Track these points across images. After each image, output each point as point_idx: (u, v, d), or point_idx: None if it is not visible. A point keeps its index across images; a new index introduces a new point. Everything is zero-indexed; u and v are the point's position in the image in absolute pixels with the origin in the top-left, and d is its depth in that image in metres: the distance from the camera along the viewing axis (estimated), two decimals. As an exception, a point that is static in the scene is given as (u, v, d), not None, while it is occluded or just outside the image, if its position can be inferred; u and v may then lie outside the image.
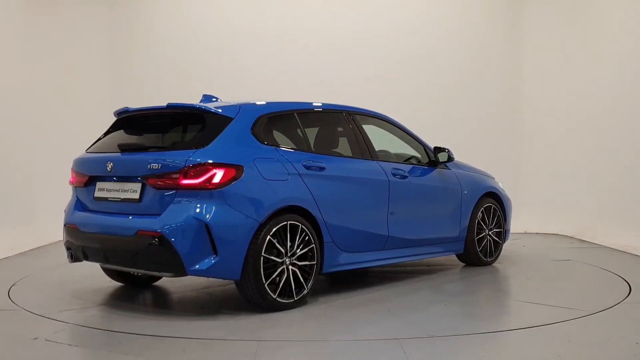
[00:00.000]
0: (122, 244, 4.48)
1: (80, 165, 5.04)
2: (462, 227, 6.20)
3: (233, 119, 4.65)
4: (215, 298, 5.13)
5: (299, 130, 5.19)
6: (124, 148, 4.77)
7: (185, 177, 4.28)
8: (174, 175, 4.30)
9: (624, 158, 7.85)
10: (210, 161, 4.33)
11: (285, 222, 4.58)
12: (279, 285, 4.55)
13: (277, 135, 5.02)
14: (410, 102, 9.69)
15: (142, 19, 9.99)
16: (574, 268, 6.46)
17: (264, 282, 4.44)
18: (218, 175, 4.31)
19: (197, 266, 4.25)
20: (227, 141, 4.53)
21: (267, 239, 4.46)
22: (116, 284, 5.68)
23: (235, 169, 4.39)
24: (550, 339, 3.98)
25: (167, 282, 5.76)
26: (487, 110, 9.88)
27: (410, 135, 6.04)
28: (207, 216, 4.25)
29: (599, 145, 8.45)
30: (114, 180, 4.71)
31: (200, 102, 5.32)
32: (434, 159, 6.00)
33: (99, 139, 5.21)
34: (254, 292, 4.47)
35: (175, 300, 5.23)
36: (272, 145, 4.80)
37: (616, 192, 8.02)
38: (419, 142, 6.07)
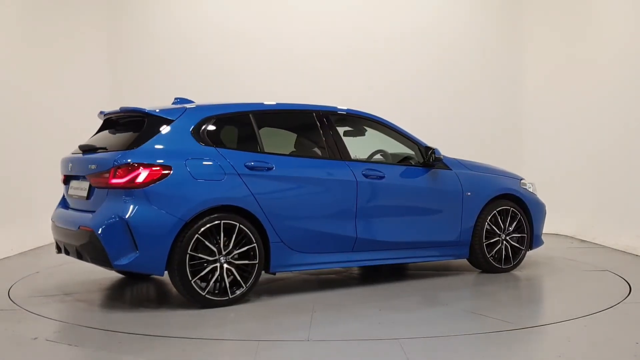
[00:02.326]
0: (71, 238, 4.88)
1: (61, 165, 5.43)
2: (464, 231, 5.87)
3: (173, 120, 4.87)
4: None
5: (251, 131, 5.18)
6: (83, 149, 5.10)
7: (114, 177, 4.56)
8: (105, 175, 4.63)
9: (624, 158, 7.85)
10: (135, 162, 4.56)
11: (219, 221, 4.68)
12: (211, 283, 4.69)
13: (225, 136, 5.10)
14: (413, 106, 9.71)
15: (141, 20, 9.98)
16: (573, 268, 6.46)
17: (190, 279, 4.60)
18: (142, 175, 4.53)
19: (120, 261, 4.50)
20: (161, 142, 4.75)
21: (195, 237, 4.59)
22: (116, 284, 5.68)
23: (161, 169, 4.59)
24: (550, 339, 3.99)
25: (167, 280, 5.77)
26: (488, 112, 9.89)
27: (403, 135, 5.87)
28: (129, 214, 4.48)
29: (599, 145, 8.45)
30: (80, 180, 5.09)
31: (172, 104, 5.42)
32: (426, 159, 5.78)
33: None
34: (181, 289, 4.66)
35: (176, 299, 5.22)
36: (213, 145, 4.90)
37: (616, 192, 8.02)
38: (413, 142, 5.87)
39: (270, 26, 9.82)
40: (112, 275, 5.94)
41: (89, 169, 4.81)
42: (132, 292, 5.47)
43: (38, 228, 7.91)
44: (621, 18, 8.09)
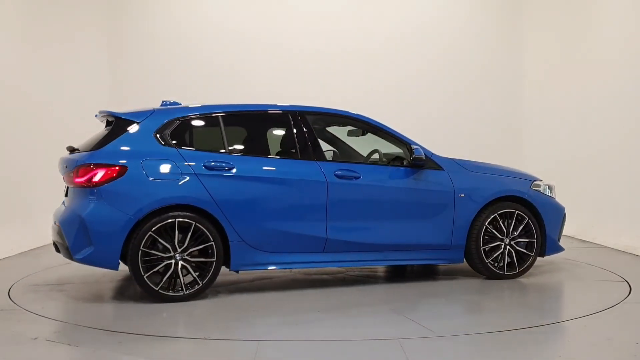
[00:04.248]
0: (53, 233, 5.28)
1: None
2: (457, 234, 5.61)
3: (138, 123, 5.09)
4: (216, 298, 5.13)
5: (218, 132, 5.26)
6: (68, 149, 5.37)
7: (77, 177, 4.88)
8: (71, 175, 4.97)
9: (624, 158, 7.85)
10: (93, 162, 4.84)
11: (173, 219, 4.83)
12: (164, 279, 4.87)
13: (191, 137, 5.25)
14: (413, 106, 9.73)
15: (141, 20, 9.98)
16: (574, 268, 6.45)
17: (143, 274, 4.80)
18: (98, 174, 4.81)
19: (79, 255, 4.83)
20: (123, 143, 4.99)
21: (148, 234, 4.79)
22: (117, 283, 5.68)
23: (117, 169, 4.83)
24: (550, 339, 3.98)
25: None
26: (488, 112, 9.92)
27: (392, 135, 5.70)
28: (85, 211, 4.80)
29: (599, 146, 8.45)
30: None
31: (160, 106, 5.55)
32: (411, 159, 5.52)
33: None
34: (136, 283, 4.90)
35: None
36: (175, 146, 5.06)
37: (616, 192, 8.02)
38: (402, 142, 5.67)
39: (271, 26, 9.82)
40: (113, 275, 5.94)
41: (64, 169, 5.17)
42: (133, 291, 5.46)
43: (38, 228, 7.91)
44: (621, 18, 8.09)
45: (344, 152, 6.07)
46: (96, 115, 5.60)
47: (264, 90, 9.37)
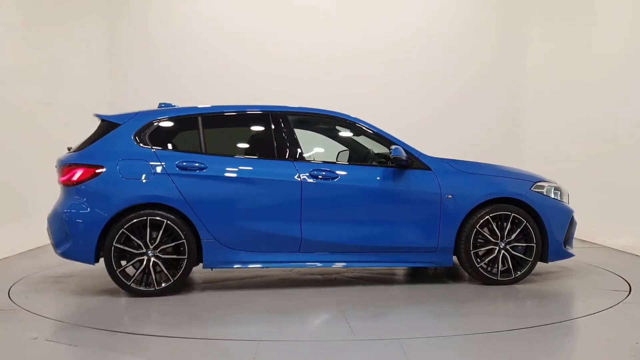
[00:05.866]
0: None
1: None
2: (445, 237, 5.42)
3: (120, 125, 5.31)
4: (215, 298, 5.14)
5: (196, 134, 5.40)
6: (68, 149, 5.53)
7: (61, 176, 5.21)
8: (59, 174, 5.29)
9: (624, 158, 7.86)
10: (73, 162, 5.14)
11: (145, 218, 5.03)
12: (136, 274, 5.09)
13: (169, 139, 5.41)
14: (413, 105, 9.74)
15: (141, 20, 9.99)
16: (573, 268, 6.46)
17: (116, 269, 5.05)
18: (77, 174, 5.10)
19: (60, 249, 5.18)
20: (102, 144, 5.25)
21: (121, 231, 5.01)
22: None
23: (94, 169, 5.10)
24: (550, 339, 3.99)
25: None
26: (488, 113, 9.93)
27: (375, 134, 5.59)
28: (64, 208, 5.13)
29: (599, 145, 8.46)
30: None
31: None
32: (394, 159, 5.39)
33: None
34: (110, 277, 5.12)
35: (176, 300, 5.23)
36: (152, 147, 5.24)
37: (616, 192, 8.03)
38: (386, 142, 5.54)
39: (270, 25, 9.84)
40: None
41: (56, 168, 5.39)
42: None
43: (38, 228, 7.90)
44: (621, 17, 8.09)
45: (359, 153, 5.96)
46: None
47: (264, 90, 9.37)
